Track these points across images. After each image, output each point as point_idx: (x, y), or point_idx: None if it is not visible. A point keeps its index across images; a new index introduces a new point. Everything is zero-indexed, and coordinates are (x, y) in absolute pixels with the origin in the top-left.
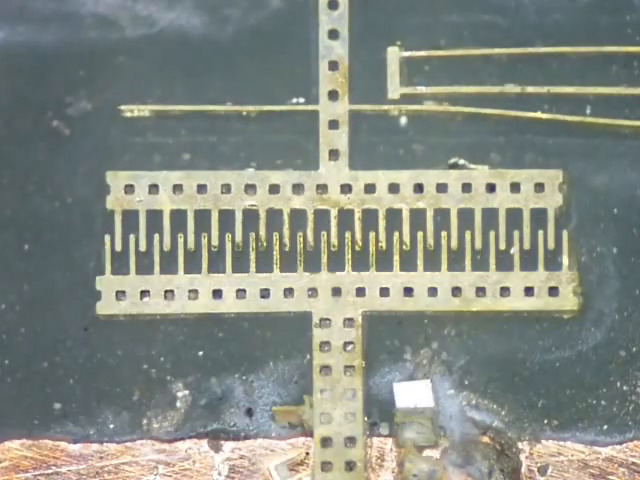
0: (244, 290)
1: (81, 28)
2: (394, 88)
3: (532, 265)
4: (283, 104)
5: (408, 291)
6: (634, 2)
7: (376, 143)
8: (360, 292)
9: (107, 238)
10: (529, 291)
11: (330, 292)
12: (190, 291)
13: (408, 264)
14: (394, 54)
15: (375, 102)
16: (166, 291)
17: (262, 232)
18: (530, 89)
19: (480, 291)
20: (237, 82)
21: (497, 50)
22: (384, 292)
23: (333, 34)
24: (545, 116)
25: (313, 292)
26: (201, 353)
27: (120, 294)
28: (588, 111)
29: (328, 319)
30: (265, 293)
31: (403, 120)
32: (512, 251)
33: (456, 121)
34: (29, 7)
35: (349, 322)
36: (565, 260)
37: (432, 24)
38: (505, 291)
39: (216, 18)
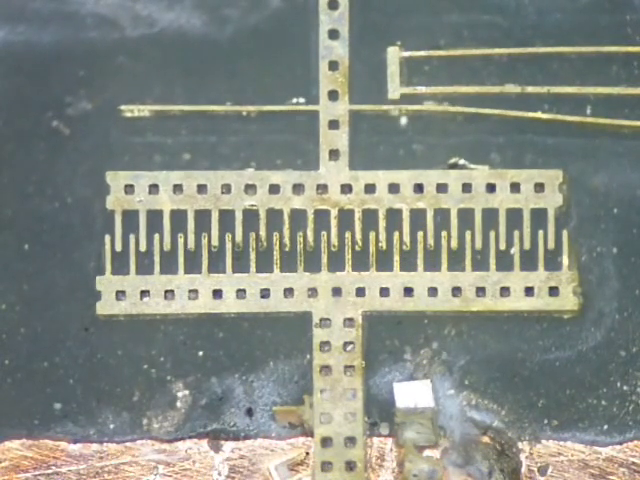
0: (244, 290)
1: (81, 28)
2: (394, 88)
3: (532, 265)
4: (283, 104)
5: (408, 291)
6: (634, 2)
7: (376, 143)
8: (360, 292)
9: (107, 238)
10: (529, 291)
11: (330, 292)
12: (190, 291)
13: (408, 264)
14: (394, 54)
15: (375, 102)
16: (166, 291)
17: (262, 232)
18: (530, 89)
19: (480, 291)
20: (237, 82)
21: (497, 50)
22: (384, 292)
23: (333, 34)
24: (545, 116)
25: (313, 292)
26: (201, 353)
27: (120, 294)
28: (588, 111)
29: (328, 319)
30: (265, 293)
31: (403, 120)
32: (512, 251)
33: (456, 121)
34: (29, 7)
35: (349, 322)
36: (565, 260)
37: (432, 24)
38: (505, 291)
39: (216, 18)
